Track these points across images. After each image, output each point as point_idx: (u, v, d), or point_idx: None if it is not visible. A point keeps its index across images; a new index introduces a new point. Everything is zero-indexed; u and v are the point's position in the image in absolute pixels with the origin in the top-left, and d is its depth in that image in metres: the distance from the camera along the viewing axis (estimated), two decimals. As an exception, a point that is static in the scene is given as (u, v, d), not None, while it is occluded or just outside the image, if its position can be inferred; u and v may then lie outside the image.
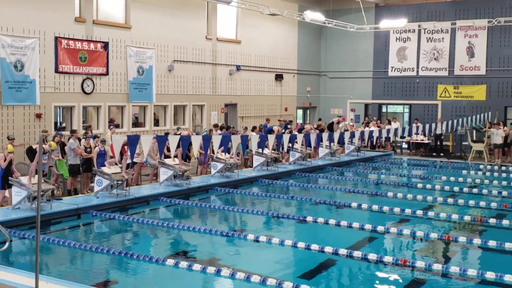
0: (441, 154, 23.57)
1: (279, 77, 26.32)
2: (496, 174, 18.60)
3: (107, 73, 18.13)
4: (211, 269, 8.24)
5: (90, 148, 14.11)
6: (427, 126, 19.40)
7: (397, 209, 12.61)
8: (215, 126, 19.22)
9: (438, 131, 21.88)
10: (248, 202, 13.86)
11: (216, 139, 12.72)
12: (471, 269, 8.41)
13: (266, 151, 17.35)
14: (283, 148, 15.99)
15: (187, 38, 21.20)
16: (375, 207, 12.90)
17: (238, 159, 17.03)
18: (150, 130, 19.62)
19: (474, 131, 23.12)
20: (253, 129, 20.02)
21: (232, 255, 9.65)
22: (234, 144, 13.35)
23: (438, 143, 24.03)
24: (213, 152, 15.87)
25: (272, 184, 16.12)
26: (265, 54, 25.47)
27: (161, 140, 11.81)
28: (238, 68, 23.77)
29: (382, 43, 27.52)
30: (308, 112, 29.83)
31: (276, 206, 13.47)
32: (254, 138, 15.07)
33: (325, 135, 16.38)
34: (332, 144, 19.27)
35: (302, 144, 17.81)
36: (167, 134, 15.19)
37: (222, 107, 23.20)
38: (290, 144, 17.07)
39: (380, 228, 11.07)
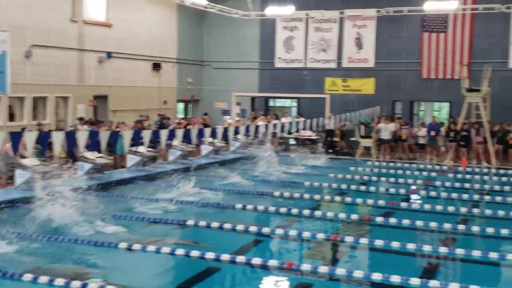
0: (330, 150, 24.60)
1: (156, 66, 26.02)
2: (384, 170, 19.76)
3: (-50, 58, 16.90)
4: (76, 284, 7.98)
5: None
6: (314, 120, 20.08)
7: (283, 209, 12.99)
8: (80, 119, 18.62)
9: (330, 127, 22.85)
10: (121, 206, 13.54)
11: (82, 136, 12.28)
12: (357, 271, 8.85)
13: (142, 149, 17.09)
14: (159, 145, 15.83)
15: (49, 19, 20.31)
16: (260, 207, 13.19)
17: (109, 159, 16.64)
18: (3, 126, 18.57)
19: (363, 126, 24.36)
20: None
21: (102, 266, 9.40)
22: (103, 141, 12.97)
23: (329, 139, 25.02)
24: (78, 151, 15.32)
25: (149, 185, 15.91)
26: (141, 40, 25.07)
27: (16, 137, 11.19)
28: (109, 55, 23.18)
29: (268, 32, 28.14)
30: (190, 105, 29.80)
31: (154, 209, 13.27)
32: (128, 134, 14.78)
33: (207, 131, 16.43)
34: (215, 140, 19.41)
35: (182, 141, 17.74)
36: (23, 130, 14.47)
37: (90, 99, 22.48)
38: (169, 141, 16.95)
39: (266, 230, 11.34)
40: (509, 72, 24.01)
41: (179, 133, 15.19)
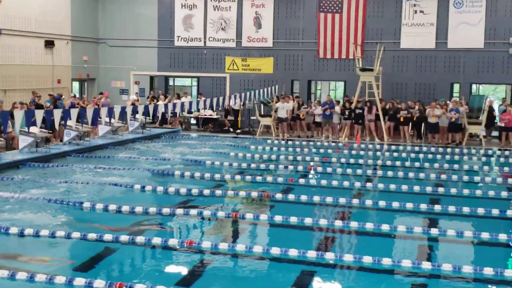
0: (231, 129, 24.71)
1: (49, 44, 24.90)
2: (282, 149, 20.12)
3: None
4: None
5: None
6: (214, 100, 20.06)
7: (183, 190, 12.92)
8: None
9: (236, 106, 23.11)
10: (12, 189, 12.92)
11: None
12: (257, 246, 8.99)
13: (35, 129, 16.37)
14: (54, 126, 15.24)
15: None
16: (160, 188, 13.04)
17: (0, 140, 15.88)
18: None
19: (262, 105, 24.63)
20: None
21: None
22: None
23: (231, 118, 25.11)
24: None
25: (43, 167, 15.28)
26: (32, 17, 23.85)
27: None
28: (-2, 31, 21.94)
29: (167, 10, 27.64)
30: (86, 84, 28.83)
31: (47, 192, 12.77)
32: (19, 114, 14.12)
33: (104, 110, 15.99)
34: (113, 120, 18.95)
35: (77, 121, 17.17)
36: None
37: (-22, 78, 21.22)
38: (63, 122, 16.35)
39: (166, 210, 11.23)
40: (400, 52, 25.03)
41: (74, 113, 14.69)
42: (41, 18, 24.38)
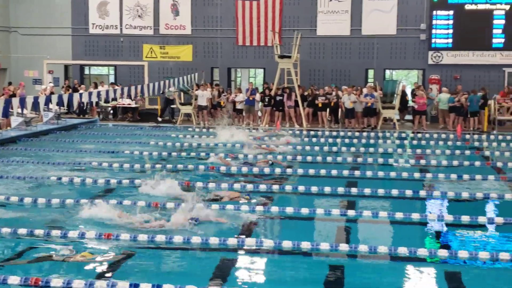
0: (160, 119, 24.25)
1: (-45, 32, 23.65)
2: (204, 136, 20.04)
3: None
4: None
5: None
6: (132, 88, 19.70)
7: (102, 180, 12.64)
8: None
9: (171, 96, 23.13)
10: None
11: None
12: (177, 236, 8.92)
13: None
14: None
15: None
16: (77, 180, 12.69)
17: None
18: None
19: (182, 94, 24.42)
20: None
21: None
22: None
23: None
24: None
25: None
26: None
27: None
28: None
29: (80, -4, 26.86)
30: (-4, 74, 27.62)
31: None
32: None
33: (15, 101, 15.35)
34: (26, 111, 18.23)
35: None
36: None
37: None
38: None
39: (84, 201, 10.93)
40: (317, 39, 25.44)
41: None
42: None
